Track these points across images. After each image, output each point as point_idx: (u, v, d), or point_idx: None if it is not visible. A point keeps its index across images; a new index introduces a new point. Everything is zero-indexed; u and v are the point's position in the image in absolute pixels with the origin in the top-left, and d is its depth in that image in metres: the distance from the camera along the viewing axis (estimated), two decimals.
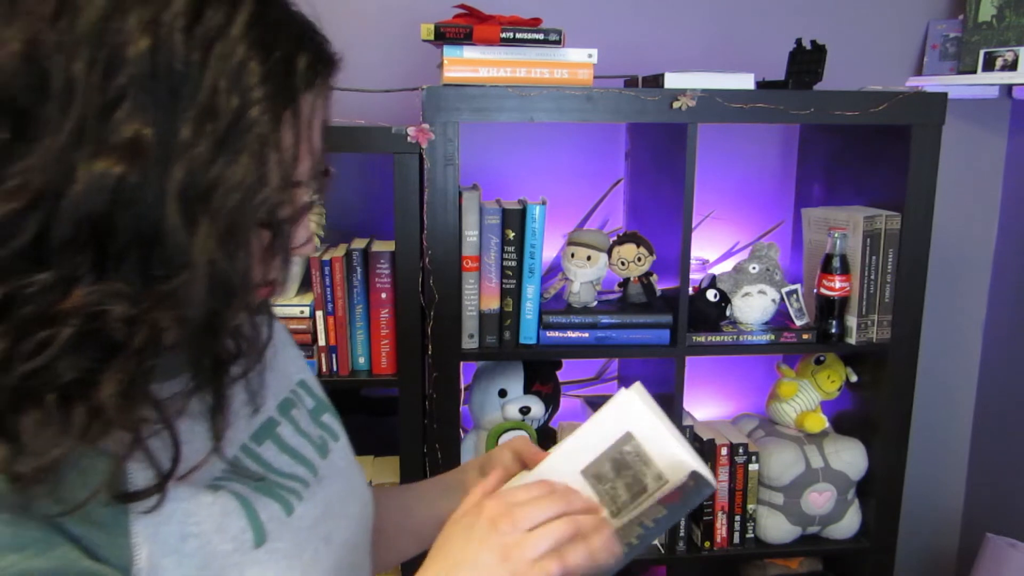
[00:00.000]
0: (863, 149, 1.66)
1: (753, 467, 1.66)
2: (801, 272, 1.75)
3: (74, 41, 0.50)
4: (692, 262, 1.59)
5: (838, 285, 1.57)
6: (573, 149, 1.84)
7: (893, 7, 1.87)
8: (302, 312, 1.49)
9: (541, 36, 1.43)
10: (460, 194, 1.45)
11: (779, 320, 1.65)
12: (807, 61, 1.51)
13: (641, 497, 0.70)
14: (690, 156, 1.46)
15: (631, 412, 0.71)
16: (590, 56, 1.47)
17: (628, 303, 1.61)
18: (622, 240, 1.60)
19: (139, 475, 0.56)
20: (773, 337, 1.60)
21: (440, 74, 1.47)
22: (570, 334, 1.55)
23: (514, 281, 1.52)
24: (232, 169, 0.53)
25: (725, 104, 1.45)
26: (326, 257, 1.48)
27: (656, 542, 1.67)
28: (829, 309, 1.59)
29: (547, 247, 1.59)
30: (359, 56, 1.59)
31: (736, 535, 1.68)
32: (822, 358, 1.71)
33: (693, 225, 1.54)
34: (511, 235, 1.50)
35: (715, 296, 1.59)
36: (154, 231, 0.52)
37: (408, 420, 1.51)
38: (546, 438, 1.67)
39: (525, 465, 0.82)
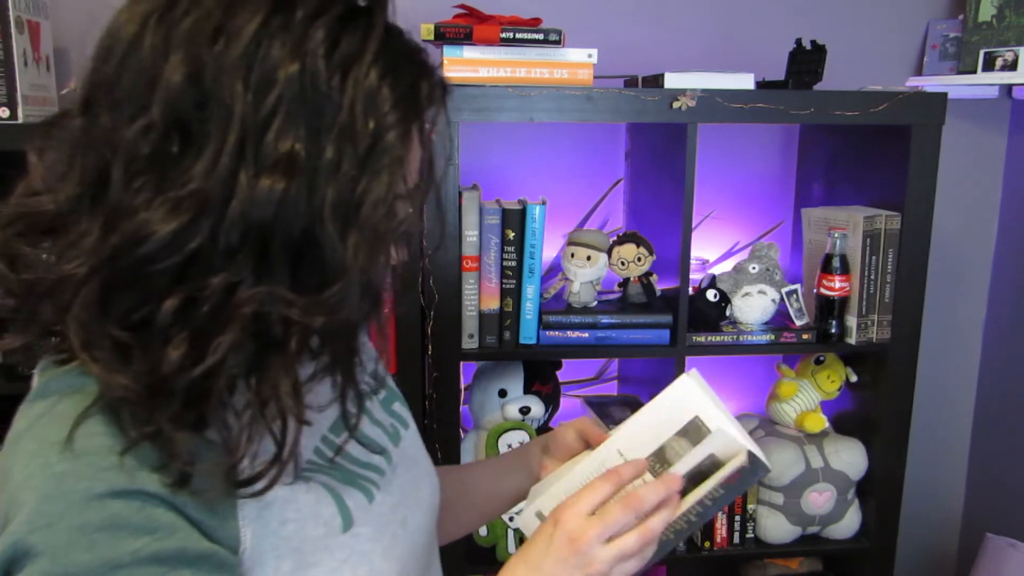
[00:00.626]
0: (863, 149, 1.66)
1: None
2: (801, 272, 1.75)
3: (232, 64, 0.55)
4: (692, 262, 1.59)
5: (838, 285, 1.57)
6: (573, 149, 1.84)
7: (893, 7, 1.87)
8: None
9: (541, 36, 1.44)
10: (460, 194, 1.45)
11: (779, 320, 1.65)
12: (807, 61, 1.51)
13: (705, 480, 0.74)
14: (690, 156, 1.46)
15: (691, 398, 0.75)
16: (590, 56, 1.47)
17: (628, 303, 1.61)
18: (622, 240, 1.60)
19: (244, 465, 0.60)
20: (773, 337, 1.60)
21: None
22: (570, 334, 1.55)
23: (514, 281, 1.52)
24: (375, 186, 0.58)
25: (725, 104, 1.45)
26: None
27: None
28: (829, 309, 1.59)
29: (547, 247, 1.59)
30: None
31: (736, 535, 1.68)
32: (822, 358, 1.71)
33: (693, 225, 1.54)
34: (511, 235, 1.50)
35: (715, 296, 1.59)
36: (306, 241, 0.57)
37: None
38: None
39: (588, 445, 0.86)
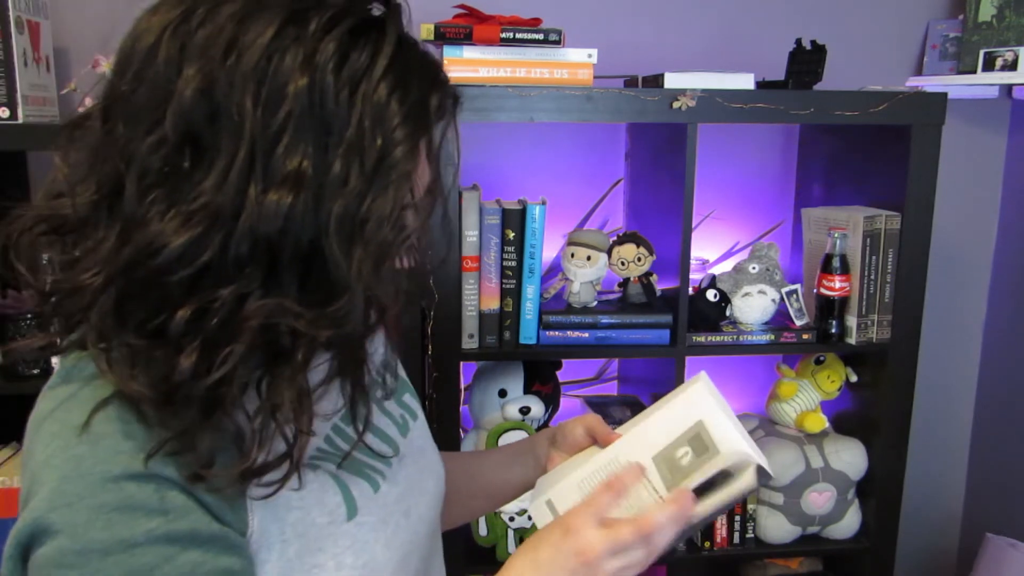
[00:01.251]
0: (863, 149, 1.66)
1: None
2: (801, 272, 1.75)
3: (242, 78, 0.56)
4: (692, 262, 1.59)
5: (838, 285, 1.57)
6: (573, 149, 1.84)
7: (893, 7, 1.87)
8: None
9: (541, 36, 1.44)
10: (460, 194, 1.45)
11: (779, 320, 1.65)
12: (807, 61, 1.51)
13: (711, 489, 0.74)
14: (690, 156, 1.46)
15: (700, 403, 0.76)
16: (590, 56, 1.47)
17: (628, 303, 1.61)
18: (622, 240, 1.60)
19: (258, 462, 0.61)
20: (773, 337, 1.60)
21: None
22: (570, 334, 1.55)
23: (514, 281, 1.52)
24: (381, 202, 0.59)
25: (725, 104, 1.45)
26: None
27: None
28: (829, 309, 1.59)
29: (547, 247, 1.59)
30: None
31: (736, 535, 1.68)
32: (822, 358, 1.71)
33: (693, 225, 1.54)
34: (511, 235, 1.50)
35: (715, 296, 1.59)
36: (314, 255, 0.58)
37: None
38: None
39: (595, 441, 0.86)
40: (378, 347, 0.83)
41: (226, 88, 0.56)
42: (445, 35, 1.42)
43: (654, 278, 1.62)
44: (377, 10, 0.63)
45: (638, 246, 1.58)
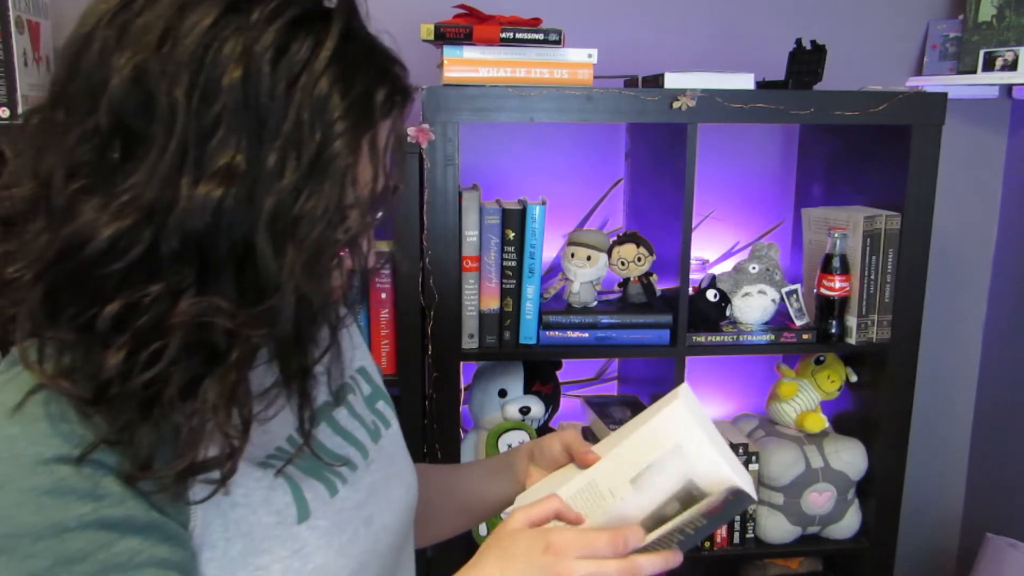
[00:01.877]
0: (863, 149, 1.66)
1: (753, 467, 1.66)
2: (801, 272, 1.75)
3: (176, 69, 0.54)
4: (692, 262, 1.59)
5: (838, 285, 1.57)
6: (573, 149, 1.84)
7: (893, 7, 1.87)
8: None
9: (541, 36, 1.43)
10: (460, 194, 1.45)
11: (779, 320, 1.65)
12: (807, 61, 1.51)
13: (686, 508, 0.71)
14: (690, 156, 1.46)
15: (679, 423, 0.72)
16: (590, 56, 1.47)
17: (628, 303, 1.61)
18: (622, 240, 1.60)
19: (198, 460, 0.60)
20: (773, 337, 1.60)
21: (440, 74, 1.47)
22: (570, 334, 1.55)
23: (514, 281, 1.52)
24: (316, 200, 0.56)
25: (725, 104, 1.45)
26: None
27: None
28: (829, 309, 1.59)
29: (547, 247, 1.59)
30: None
31: (736, 535, 1.68)
32: (822, 358, 1.71)
33: (693, 225, 1.54)
34: (511, 235, 1.50)
35: (715, 296, 1.59)
36: (246, 253, 0.56)
37: (408, 420, 1.51)
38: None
39: (573, 458, 0.84)
40: (346, 351, 0.80)
41: (159, 78, 0.54)
42: (445, 35, 1.42)
43: (654, 278, 1.62)
44: (329, 1, 0.61)
45: (638, 246, 1.58)
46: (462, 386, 1.59)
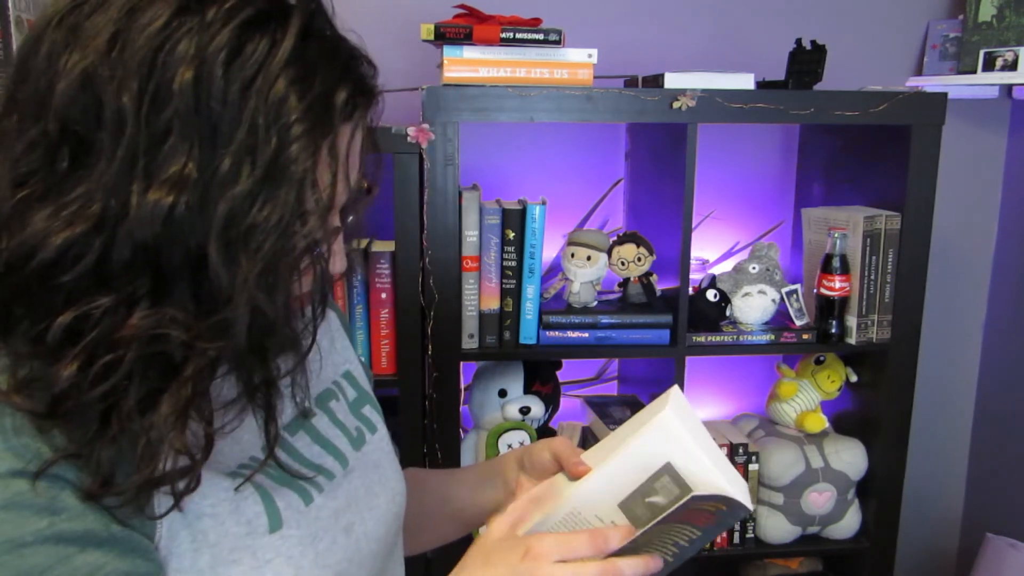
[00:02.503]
0: (863, 149, 1.66)
1: (753, 467, 1.66)
2: (801, 272, 1.75)
3: (125, 73, 0.52)
4: (692, 262, 1.59)
5: (838, 285, 1.57)
6: (573, 149, 1.84)
7: (893, 7, 1.87)
8: None
9: (541, 36, 1.43)
10: (460, 194, 1.45)
11: (779, 320, 1.65)
12: (807, 61, 1.51)
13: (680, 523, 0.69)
14: (690, 156, 1.46)
15: (670, 436, 0.69)
16: (590, 56, 1.47)
17: (628, 303, 1.61)
18: (622, 240, 1.60)
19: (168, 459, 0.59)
20: (773, 337, 1.60)
21: (440, 74, 1.47)
22: (570, 334, 1.55)
23: (514, 281, 1.52)
24: (271, 207, 0.54)
25: (725, 104, 1.45)
26: None
27: None
28: (829, 309, 1.59)
29: (547, 247, 1.59)
30: None
31: (736, 535, 1.68)
32: (822, 358, 1.71)
33: (693, 225, 1.54)
34: (511, 235, 1.50)
35: (715, 296, 1.59)
36: (201, 263, 0.54)
37: (408, 420, 1.51)
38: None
39: (562, 468, 0.80)
40: (326, 357, 0.78)
41: (107, 83, 0.52)
42: (445, 35, 1.42)
43: (654, 278, 1.62)
44: None
45: (638, 246, 1.58)
46: (462, 386, 1.59)
